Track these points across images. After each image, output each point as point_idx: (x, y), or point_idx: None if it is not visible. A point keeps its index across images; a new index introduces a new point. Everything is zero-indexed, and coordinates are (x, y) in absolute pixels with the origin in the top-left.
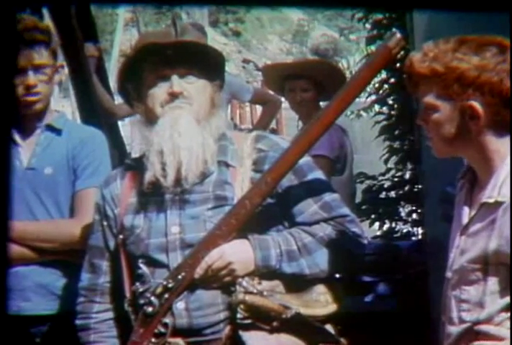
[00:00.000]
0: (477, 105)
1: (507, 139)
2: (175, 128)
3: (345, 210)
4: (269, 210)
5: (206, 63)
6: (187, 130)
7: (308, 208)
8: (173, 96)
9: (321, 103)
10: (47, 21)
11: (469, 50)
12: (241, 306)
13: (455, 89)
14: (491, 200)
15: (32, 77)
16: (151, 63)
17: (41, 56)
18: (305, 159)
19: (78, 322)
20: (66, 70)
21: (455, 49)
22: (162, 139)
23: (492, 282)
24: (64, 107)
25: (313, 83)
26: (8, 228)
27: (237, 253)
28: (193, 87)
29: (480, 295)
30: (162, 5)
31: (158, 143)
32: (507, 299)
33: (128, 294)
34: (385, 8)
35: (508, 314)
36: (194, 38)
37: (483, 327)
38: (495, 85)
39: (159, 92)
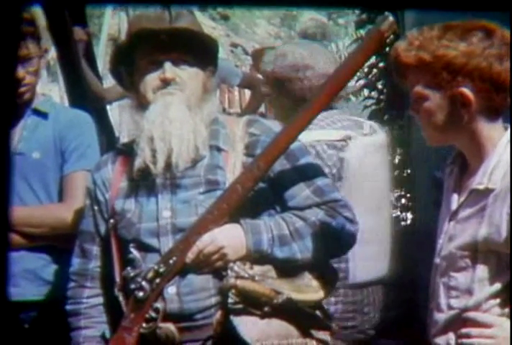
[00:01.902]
0: (467, 92)
1: (498, 125)
2: (166, 115)
3: (337, 194)
4: (261, 194)
5: (200, 49)
6: (178, 117)
7: (301, 193)
8: (165, 82)
9: None
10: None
11: (455, 36)
12: (233, 291)
13: (444, 77)
14: (481, 187)
15: (20, 70)
16: (144, 48)
17: (28, 48)
18: (298, 144)
19: (68, 307)
20: (54, 54)
21: (440, 36)
22: (152, 125)
23: (481, 270)
24: (52, 91)
25: None
26: (9, 216)
27: (229, 237)
28: (186, 73)
29: (469, 282)
30: (159, 5)
31: (149, 129)
32: (495, 286)
33: (118, 279)
34: (384, 8)
35: (497, 301)
36: (189, 23)
37: (471, 314)
38: (484, 70)
39: (151, 77)
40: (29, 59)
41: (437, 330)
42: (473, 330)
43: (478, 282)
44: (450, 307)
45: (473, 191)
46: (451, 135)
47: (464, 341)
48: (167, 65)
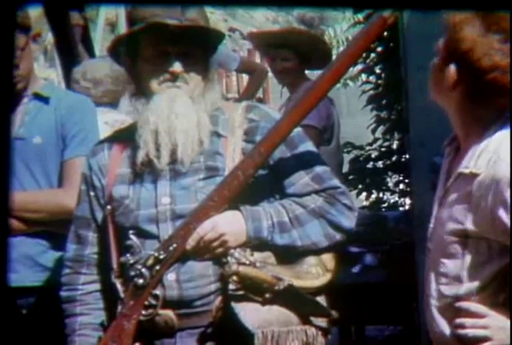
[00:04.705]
0: (452, 72)
1: (489, 110)
2: (172, 109)
3: (336, 181)
4: (260, 181)
5: (207, 41)
6: (183, 111)
7: (300, 180)
8: (173, 75)
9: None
10: None
11: (484, 22)
12: (234, 277)
13: (450, 46)
14: (466, 171)
15: None
16: (152, 37)
17: None
18: (296, 130)
19: (63, 293)
20: (52, 39)
21: (484, 17)
22: (158, 118)
23: (471, 257)
24: (50, 76)
25: (294, 52)
26: (9, 201)
27: (229, 224)
28: (192, 66)
29: (458, 269)
30: (159, 4)
31: (154, 122)
32: (486, 274)
33: (115, 265)
34: (380, 7)
35: (489, 290)
36: (198, 14)
37: (464, 304)
38: (475, 61)
39: (158, 69)
40: None
41: (432, 317)
42: (467, 321)
43: (467, 270)
44: (441, 294)
45: (460, 175)
46: (442, 98)
47: (459, 331)
48: (176, 59)
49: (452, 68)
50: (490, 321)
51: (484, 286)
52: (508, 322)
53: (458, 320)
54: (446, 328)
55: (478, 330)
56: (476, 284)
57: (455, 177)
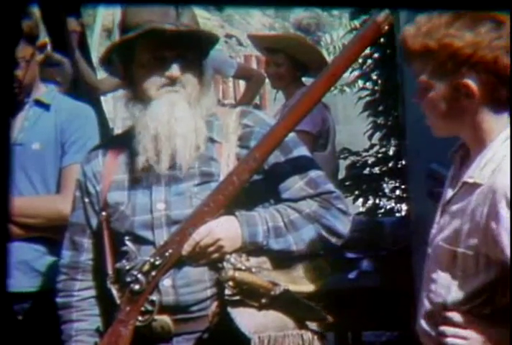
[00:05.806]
0: (471, 83)
1: (503, 118)
2: (172, 113)
3: (330, 186)
4: (255, 186)
5: (202, 45)
6: (182, 115)
7: (294, 185)
8: (171, 80)
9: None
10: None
11: (464, 26)
12: (230, 283)
13: (449, 67)
14: (471, 180)
15: None
16: (148, 43)
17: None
18: (290, 135)
19: (58, 300)
20: (48, 45)
21: (449, 24)
22: (159, 123)
23: (459, 269)
24: None
25: (288, 57)
26: (9, 207)
27: (225, 229)
28: (189, 70)
29: (449, 278)
30: (156, 4)
31: (154, 128)
32: (472, 288)
33: (111, 271)
34: (380, 7)
35: (476, 301)
36: (191, 19)
37: (449, 314)
38: (489, 63)
39: (156, 74)
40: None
41: (422, 319)
42: (448, 330)
43: (457, 280)
44: (430, 300)
45: (464, 184)
46: (454, 125)
47: (441, 338)
48: (174, 63)
49: (469, 81)
50: (471, 333)
51: (470, 298)
52: (492, 337)
53: (441, 328)
54: (431, 333)
55: (458, 340)
56: (463, 295)
57: (460, 186)
